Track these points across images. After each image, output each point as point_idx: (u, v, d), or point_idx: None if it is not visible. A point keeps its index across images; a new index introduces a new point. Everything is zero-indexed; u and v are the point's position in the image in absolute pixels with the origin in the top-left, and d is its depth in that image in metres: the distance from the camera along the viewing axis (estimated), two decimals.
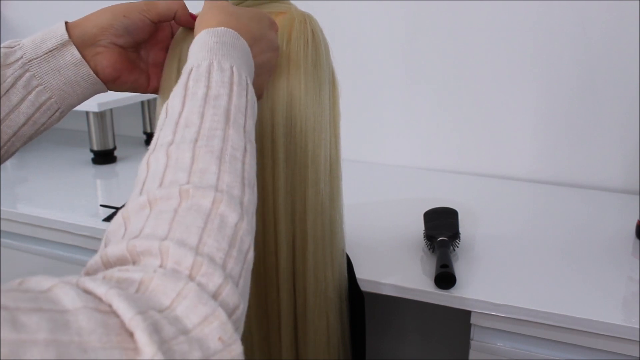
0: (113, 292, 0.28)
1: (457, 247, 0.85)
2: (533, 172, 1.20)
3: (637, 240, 0.90)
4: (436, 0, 1.16)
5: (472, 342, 0.77)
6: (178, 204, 0.35)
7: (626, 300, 0.74)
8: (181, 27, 0.59)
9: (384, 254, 0.86)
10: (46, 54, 0.53)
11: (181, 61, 0.58)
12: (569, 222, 0.99)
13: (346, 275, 0.70)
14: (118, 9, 0.55)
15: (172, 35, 0.60)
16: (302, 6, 0.64)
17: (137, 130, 1.55)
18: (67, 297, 0.27)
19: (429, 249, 0.84)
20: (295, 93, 0.59)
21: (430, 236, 0.85)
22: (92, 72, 0.55)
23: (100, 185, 1.25)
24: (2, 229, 1.07)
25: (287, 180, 0.61)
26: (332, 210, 0.65)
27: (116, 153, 1.37)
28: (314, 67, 0.61)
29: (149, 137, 1.51)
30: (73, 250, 1.02)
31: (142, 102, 1.47)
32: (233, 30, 0.48)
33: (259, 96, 0.56)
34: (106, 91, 0.58)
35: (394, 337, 1.30)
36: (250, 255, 0.37)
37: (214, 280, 0.32)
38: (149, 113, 1.48)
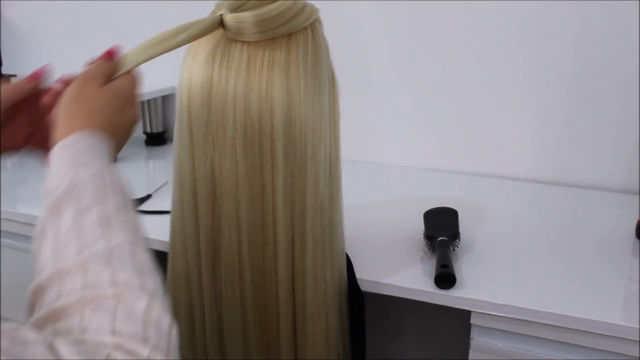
0: None
1: (457, 247, 0.85)
2: (533, 172, 1.20)
3: (637, 240, 0.90)
4: (436, 0, 1.16)
5: (472, 342, 0.77)
6: (82, 310, 0.36)
7: (626, 300, 0.74)
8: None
9: (384, 254, 0.86)
10: None
11: None
12: (568, 222, 0.99)
13: (346, 275, 0.70)
14: None
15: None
16: None
17: (137, 130, 1.55)
18: None
19: (429, 249, 0.84)
20: (295, 93, 0.59)
21: (430, 236, 0.85)
22: None
23: None
24: (2, 229, 1.07)
25: (287, 180, 0.61)
26: (331, 210, 0.65)
27: None
28: (314, 68, 0.61)
29: (149, 137, 1.51)
30: None
31: (142, 102, 1.47)
32: (87, 131, 0.48)
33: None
34: None
35: (394, 337, 1.30)
36: (174, 332, 0.38)
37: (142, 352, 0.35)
38: (148, 113, 1.48)
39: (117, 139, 0.52)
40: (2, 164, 1.34)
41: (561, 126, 1.15)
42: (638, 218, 0.92)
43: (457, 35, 1.17)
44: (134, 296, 0.38)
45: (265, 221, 0.62)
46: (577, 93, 1.12)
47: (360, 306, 0.72)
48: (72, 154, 0.46)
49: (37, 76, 0.58)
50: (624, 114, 1.10)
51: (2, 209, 1.05)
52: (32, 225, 1.03)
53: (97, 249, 0.40)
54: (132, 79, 0.56)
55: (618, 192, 1.13)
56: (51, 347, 0.32)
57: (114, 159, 0.52)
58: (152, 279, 0.40)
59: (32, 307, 0.39)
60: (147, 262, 0.42)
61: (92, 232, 0.41)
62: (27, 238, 1.06)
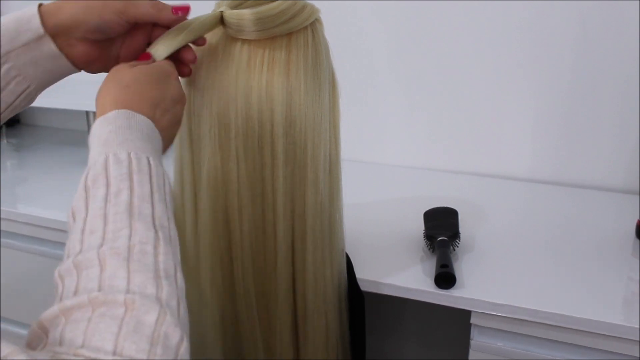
0: None
1: (457, 247, 0.85)
2: (533, 172, 1.20)
3: (637, 240, 0.90)
4: (437, 0, 1.16)
5: (472, 342, 0.77)
6: (92, 312, 0.35)
7: (626, 300, 0.74)
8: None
9: (384, 254, 0.86)
10: (23, 46, 0.52)
11: None
12: (568, 222, 0.99)
13: (345, 275, 0.70)
14: (94, 5, 0.54)
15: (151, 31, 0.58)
16: None
17: None
18: None
19: (429, 249, 0.84)
20: (295, 93, 0.59)
21: (430, 236, 0.85)
22: (69, 63, 0.55)
23: None
24: (2, 229, 1.07)
25: (287, 179, 0.61)
26: (331, 210, 0.65)
27: None
28: (314, 68, 0.61)
29: None
30: None
31: None
32: (125, 110, 0.47)
33: (167, 147, 0.54)
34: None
35: (393, 337, 1.30)
36: (184, 347, 0.36)
37: None
38: None
39: (160, 115, 0.51)
40: (2, 164, 1.34)
41: (561, 126, 1.15)
42: (638, 218, 0.92)
43: (457, 35, 1.17)
44: (145, 306, 0.36)
45: (266, 221, 0.62)
46: (576, 93, 1.12)
47: (360, 306, 0.72)
48: (108, 131, 0.45)
49: (185, 10, 0.56)
50: (624, 114, 1.10)
51: (2, 209, 1.05)
52: (32, 225, 1.03)
53: (118, 244, 0.39)
54: (164, 62, 0.55)
55: (618, 192, 1.13)
56: None
57: (167, 141, 0.52)
58: (169, 286, 0.39)
59: (55, 289, 0.39)
60: (169, 263, 0.40)
61: (118, 222, 0.40)
62: (27, 238, 1.06)
